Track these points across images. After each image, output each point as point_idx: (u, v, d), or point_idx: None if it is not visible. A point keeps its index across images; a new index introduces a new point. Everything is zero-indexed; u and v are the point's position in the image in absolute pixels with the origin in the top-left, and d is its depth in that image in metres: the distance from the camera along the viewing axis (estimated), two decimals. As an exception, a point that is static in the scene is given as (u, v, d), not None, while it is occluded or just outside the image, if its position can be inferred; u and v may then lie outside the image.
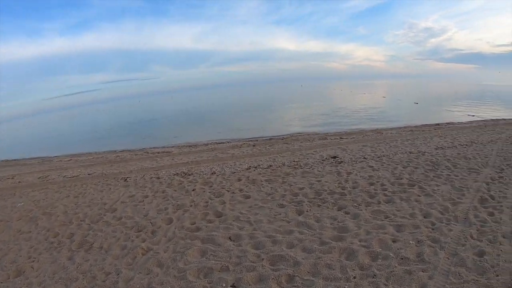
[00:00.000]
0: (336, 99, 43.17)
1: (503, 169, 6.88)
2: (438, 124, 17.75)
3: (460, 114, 23.38)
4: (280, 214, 4.56)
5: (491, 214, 4.59)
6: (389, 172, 6.78)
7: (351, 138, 12.67)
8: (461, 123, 18.35)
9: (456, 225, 4.34)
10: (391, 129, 16.20)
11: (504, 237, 3.80)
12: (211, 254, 3.52)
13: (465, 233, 4.04)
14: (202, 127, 20.15)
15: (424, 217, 4.58)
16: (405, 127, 16.69)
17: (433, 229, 4.16)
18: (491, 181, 6.13)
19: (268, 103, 39.88)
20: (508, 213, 4.57)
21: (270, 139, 13.79)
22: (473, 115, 22.02)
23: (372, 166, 7.16)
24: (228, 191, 5.84)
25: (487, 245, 3.53)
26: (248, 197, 5.43)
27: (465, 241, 3.82)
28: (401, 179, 6.27)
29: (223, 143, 13.35)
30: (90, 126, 30.38)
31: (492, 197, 5.25)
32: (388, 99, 40.54)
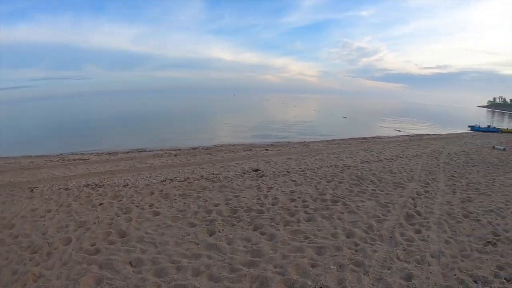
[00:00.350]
0: (268, 110, 55.22)
1: (428, 183, 9.13)
2: (365, 138, 22.63)
3: (387, 129, 30.74)
4: (189, 235, 5.27)
5: (418, 232, 5.60)
6: (312, 187, 8.48)
7: (276, 150, 15.86)
8: (388, 137, 23.89)
9: (381, 245, 5.01)
10: (318, 142, 20.56)
11: (432, 257, 4.62)
12: (107, 282, 3.95)
13: (391, 254, 4.68)
14: (128, 133, 25.00)
15: (347, 237, 5.31)
16: (332, 140, 21.27)
17: (356, 251, 4.75)
18: (417, 195, 7.84)
19: (199, 112, 48.45)
20: (435, 230, 5.69)
21: (194, 149, 17.17)
22: (399, 130, 29.27)
23: (295, 181, 9.13)
24: (138, 206, 6.82)
25: (415, 267, 4.23)
26: (157, 213, 6.33)
27: (391, 264, 4.41)
28: (324, 194, 7.75)
29: (145, 151, 16.46)
30: (12, 127, 35.42)
31: (419, 213, 6.56)
32: (318, 113, 53.75)
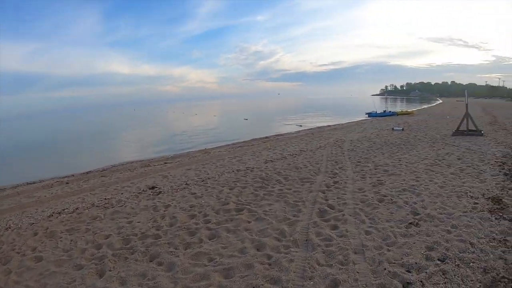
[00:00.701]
0: (168, 122, 57.81)
1: (336, 173, 9.99)
2: (267, 137, 23.53)
3: (288, 125, 32.89)
4: (75, 281, 4.88)
5: (334, 228, 5.82)
6: (214, 197, 8.40)
7: (176, 162, 15.86)
8: (290, 133, 25.24)
9: (297, 252, 4.94)
10: (219, 147, 21.15)
11: (355, 253, 4.77)
12: None
13: (310, 261, 4.62)
14: (18, 164, 23.63)
15: (258, 249, 5.13)
16: (233, 144, 22.13)
17: (270, 265, 4.57)
18: (326, 188, 8.37)
19: (97, 131, 49.17)
20: (352, 222, 6.03)
21: (88, 173, 16.96)
22: (301, 125, 31.21)
23: (195, 193, 9.05)
24: (19, 253, 6.30)
25: (339, 270, 4.30)
26: (40, 259, 5.87)
27: (312, 272, 4.33)
28: (228, 204, 7.65)
29: (35, 183, 15.55)
30: None
31: (332, 207, 6.93)
32: (219, 118, 57.33)
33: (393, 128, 22.10)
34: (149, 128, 45.67)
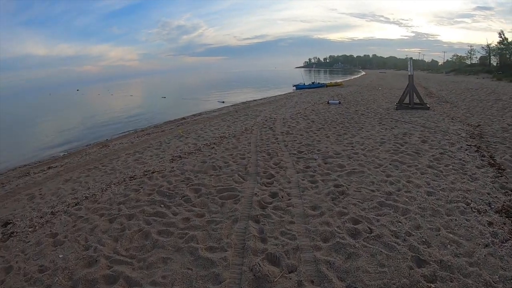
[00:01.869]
0: (80, 107, 48.92)
1: (272, 176, 7.00)
2: (183, 118, 19.86)
3: (210, 102, 29.16)
4: None
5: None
6: (79, 246, 4.76)
7: (62, 166, 11.11)
8: (211, 111, 21.81)
9: None
10: (123, 137, 16.76)
11: None
12: None
13: None
14: None
15: None
16: (142, 131, 17.92)
17: None
18: (261, 211, 5.26)
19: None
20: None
21: None
22: (223, 102, 27.84)
23: (56, 236, 5.35)
24: None
25: None
26: None
27: None
28: (95, 263, 4.23)
29: None
30: None
31: (274, 261, 3.87)
32: (135, 98, 52.38)
33: (328, 102, 19.98)
34: (58, 116, 38.21)
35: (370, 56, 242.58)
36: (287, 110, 17.90)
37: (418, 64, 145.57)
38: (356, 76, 78.12)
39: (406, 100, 16.73)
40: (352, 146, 9.06)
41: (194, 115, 21.39)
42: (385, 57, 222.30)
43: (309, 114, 15.80)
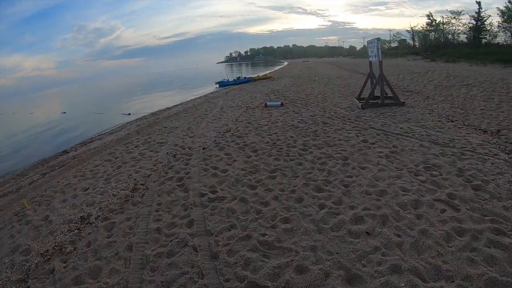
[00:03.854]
0: None
1: None
2: (66, 152, 13.19)
3: (117, 116, 21.94)
4: None
5: None
6: None
7: None
8: (108, 134, 15.25)
9: None
10: None
11: None
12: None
13: None
14: None
15: None
16: None
17: None
18: None
19: None
20: None
21: None
22: (129, 114, 21.20)
23: None
24: None
25: None
26: None
27: None
28: None
29: None
30: None
31: None
32: (33, 116, 38.82)
33: (266, 104, 14.59)
34: None
35: (290, 46, 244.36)
36: (210, 124, 12.27)
37: (339, 51, 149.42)
38: (281, 67, 74.04)
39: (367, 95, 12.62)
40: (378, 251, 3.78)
41: (81, 144, 14.73)
42: (304, 46, 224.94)
43: (244, 131, 10.38)
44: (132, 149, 10.16)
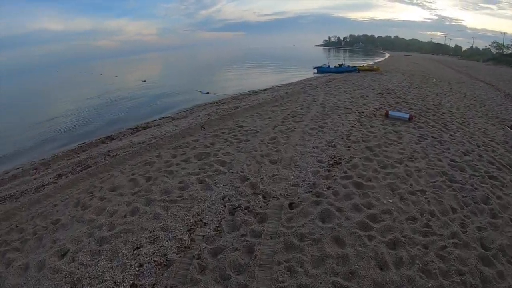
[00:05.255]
0: (70, 91, 34.85)
1: None
2: (109, 138, 10.21)
3: (190, 94, 18.62)
4: None
5: None
6: None
7: None
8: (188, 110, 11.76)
9: None
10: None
11: None
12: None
13: None
14: None
15: None
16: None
17: None
18: None
19: None
20: None
21: None
22: (207, 92, 17.68)
23: None
24: None
25: None
26: None
27: None
28: None
29: None
30: None
31: None
32: (116, 80, 37.56)
33: (387, 114, 9.68)
34: (38, 104, 26.52)
35: (392, 37, 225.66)
36: (307, 136, 7.83)
37: (444, 49, 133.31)
38: (383, 59, 65.67)
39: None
40: None
41: (131, 129, 11.45)
42: (407, 39, 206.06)
43: (363, 167, 5.99)
44: (177, 163, 6.53)
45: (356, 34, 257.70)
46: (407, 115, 9.42)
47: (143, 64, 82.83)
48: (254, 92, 16.46)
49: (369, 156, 6.36)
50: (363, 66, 29.70)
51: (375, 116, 9.63)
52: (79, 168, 7.30)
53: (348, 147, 6.90)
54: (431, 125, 8.94)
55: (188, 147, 7.50)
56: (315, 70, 28.33)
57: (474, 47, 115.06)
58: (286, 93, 14.75)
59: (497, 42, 71.50)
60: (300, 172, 5.70)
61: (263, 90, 17.32)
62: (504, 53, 62.08)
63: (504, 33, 73.24)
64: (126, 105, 17.91)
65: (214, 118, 9.96)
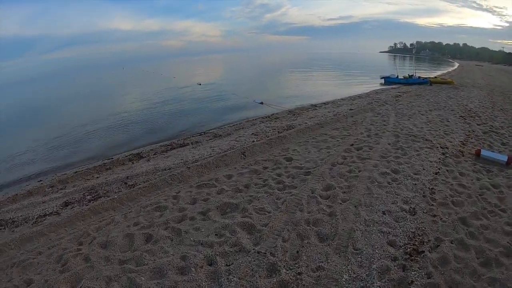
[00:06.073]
0: (130, 90, 35.01)
1: None
2: (138, 155, 9.11)
3: (243, 104, 17.00)
4: None
5: None
6: None
7: None
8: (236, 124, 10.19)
9: None
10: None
11: None
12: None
13: None
14: None
15: None
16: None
17: None
18: None
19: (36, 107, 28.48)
20: None
21: None
22: (261, 102, 15.84)
23: None
24: None
25: None
26: None
27: None
28: None
29: None
30: None
31: None
32: (174, 80, 37.93)
33: (479, 153, 7.04)
34: (90, 103, 26.59)
35: (461, 45, 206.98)
36: (374, 189, 5.40)
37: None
38: (452, 68, 58.52)
39: None
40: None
41: (164, 145, 9.98)
42: (476, 47, 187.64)
43: (457, 266, 3.64)
44: (191, 217, 4.77)
45: (423, 41, 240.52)
46: (505, 158, 6.83)
47: (204, 65, 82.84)
48: (313, 106, 14.28)
49: (464, 240, 3.97)
50: (436, 77, 25.91)
51: (463, 155, 7.11)
52: (88, 197, 5.93)
53: (434, 216, 4.53)
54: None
55: (216, 186, 5.68)
56: (382, 81, 25.34)
57: None
58: (351, 109, 12.33)
59: None
60: (360, 267, 3.53)
61: (324, 103, 15.01)
62: None
63: None
64: (172, 111, 16.66)
65: (260, 143, 8.06)
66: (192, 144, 9.51)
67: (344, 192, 5.25)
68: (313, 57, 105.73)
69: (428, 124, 9.88)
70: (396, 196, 5.10)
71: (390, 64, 38.20)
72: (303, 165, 6.42)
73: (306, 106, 14.59)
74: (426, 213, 4.65)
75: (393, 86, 21.92)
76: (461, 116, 11.28)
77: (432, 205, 4.86)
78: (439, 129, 9.30)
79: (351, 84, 25.46)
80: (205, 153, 7.77)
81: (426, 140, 8.11)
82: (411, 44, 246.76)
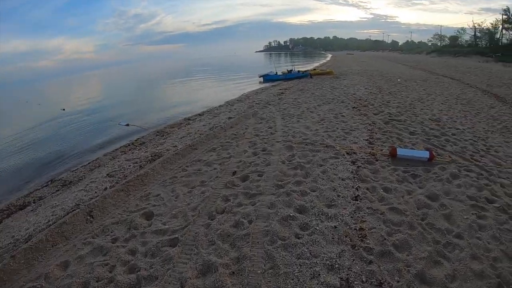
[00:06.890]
0: None
1: None
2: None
3: (107, 129, 14.01)
4: None
5: None
6: None
7: None
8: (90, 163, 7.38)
9: None
10: None
11: None
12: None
13: None
14: None
15: None
16: None
17: None
18: None
19: None
20: None
21: None
22: (127, 124, 13.22)
23: None
24: None
25: None
26: None
27: None
28: None
29: None
30: None
31: None
32: (40, 110, 32.16)
33: (394, 153, 5.94)
34: None
35: (331, 38, 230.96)
36: (276, 258, 3.56)
37: (382, 45, 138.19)
38: (326, 60, 63.39)
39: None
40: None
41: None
42: (345, 38, 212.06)
43: None
44: None
45: (295, 38, 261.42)
46: (426, 154, 5.77)
47: (77, 84, 75.92)
48: (187, 120, 12.23)
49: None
50: (315, 69, 26.47)
51: (377, 160, 5.87)
52: None
53: (380, 284, 2.97)
54: (463, 165, 5.46)
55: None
56: (261, 79, 24.74)
57: (410, 40, 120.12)
58: (229, 118, 10.61)
59: (438, 34, 73.44)
60: None
61: (199, 114, 13.12)
62: (441, 45, 66.17)
63: (440, 26, 75.81)
64: (18, 153, 12.83)
65: (114, 190, 5.57)
66: (34, 202, 6.50)
67: (232, 274, 3.28)
68: (192, 63, 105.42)
69: (322, 124, 8.71)
70: (314, 262, 3.31)
71: (267, 62, 38.94)
72: (167, 227, 4.18)
73: (179, 121, 12.44)
74: (366, 282, 2.98)
75: (273, 84, 21.60)
76: (354, 107, 10.60)
77: (371, 261, 3.24)
78: (337, 128, 8.16)
79: (229, 87, 24.28)
80: (42, 221, 5.01)
81: (326, 146, 6.72)
82: (285, 42, 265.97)
